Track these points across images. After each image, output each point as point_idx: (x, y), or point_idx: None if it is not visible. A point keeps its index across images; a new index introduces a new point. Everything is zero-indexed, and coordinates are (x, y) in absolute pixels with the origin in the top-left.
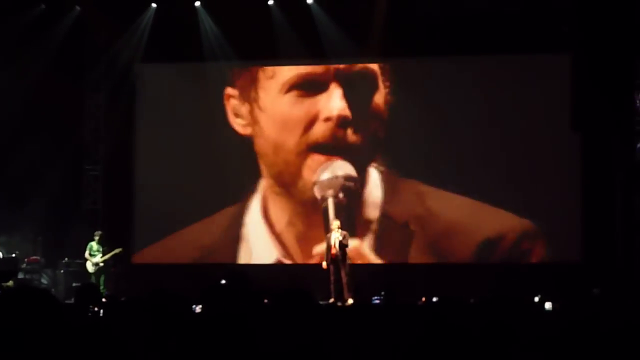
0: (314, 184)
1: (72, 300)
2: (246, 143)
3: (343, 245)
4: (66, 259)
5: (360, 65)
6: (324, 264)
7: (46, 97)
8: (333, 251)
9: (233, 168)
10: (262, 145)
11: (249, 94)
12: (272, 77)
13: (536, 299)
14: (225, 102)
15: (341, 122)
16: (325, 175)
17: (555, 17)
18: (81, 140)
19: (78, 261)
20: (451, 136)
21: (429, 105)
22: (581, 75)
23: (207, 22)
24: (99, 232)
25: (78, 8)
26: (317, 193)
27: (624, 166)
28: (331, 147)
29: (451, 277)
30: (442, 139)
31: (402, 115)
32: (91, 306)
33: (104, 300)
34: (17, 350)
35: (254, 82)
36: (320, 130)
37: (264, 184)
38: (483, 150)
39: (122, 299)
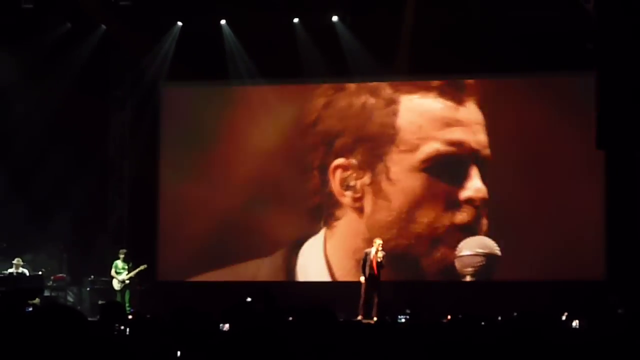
0: (455, 258)
1: (97, 318)
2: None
3: (381, 266)
4: (92, 276)
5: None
6: (363, 279)
7: (72, 114)
8: (372, 271)
9: (256, 185)
10: (376, 218)
11: (371, 165)
12: (410, 151)
13: (563, 317)
14: (332, 173)
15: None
16: (466, 252)
17: (580, 35)
18: (106, 158)
19: (103, 279)
20: (472, 154)
21: None
22: (606, 93)
23: (231, 40)
24: (124, 250)
25: (103, 27)
26: (457, 267)
27: None
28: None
29: (475, 294)
30: (465, 157)
31: None
32: (117, 324)
33: (129, 317)
34: None
35: (379, 155)
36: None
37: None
38: (505, 168)
39: (147, 316)
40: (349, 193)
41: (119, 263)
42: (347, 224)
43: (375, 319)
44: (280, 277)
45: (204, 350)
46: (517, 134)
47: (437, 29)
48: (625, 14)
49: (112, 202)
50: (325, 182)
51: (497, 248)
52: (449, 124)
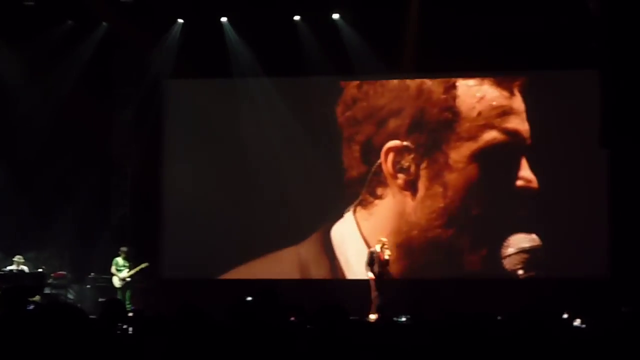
0: (503, 258)
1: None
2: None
3: (387, 264)
4: (93, 274)
5: None
6: (371, 275)
7: (75, 112)
8: (381, 270)
9: (261, 183)
10: (427, 204)
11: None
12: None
13: (565, 316)
14: (385, 156)
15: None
16: (510, 250)
17: (583, 34)
18: (110, 155)
19: (105, 276)
20: (477, 152)
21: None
22: (610, 91)
23: (233, 37)
24: (125, 248)
25: (105, 24)
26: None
27: None
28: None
29: (476, 293)
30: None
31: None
32: (120, 323)
33: (130, 315)
34: None
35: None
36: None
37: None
38: (508, 165)
39: (148, 314)
40: (401, 175)
41: (119, 260)
42: (389, 205)
43: (373, 316)
44: (298, 273)
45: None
46: (517, 131)
47: (441, 28)
48: (629, 13)
49: (115, 200)
50: (368, 158)
51: (538, 240)
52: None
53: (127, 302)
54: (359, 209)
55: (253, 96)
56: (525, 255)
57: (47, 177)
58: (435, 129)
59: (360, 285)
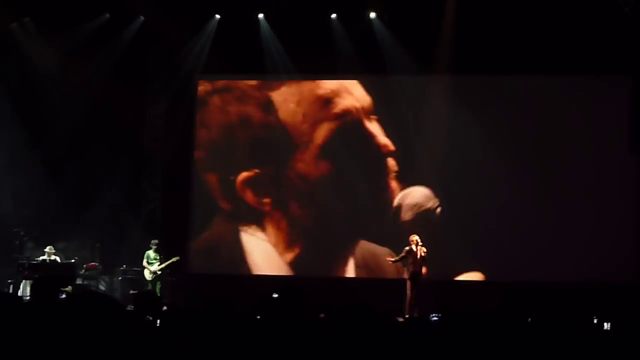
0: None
1: (131, 307)
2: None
3: (423, 262)
4: (124, 266)
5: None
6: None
7: (108, 105)
8: (417, 268)
9: (293, 178)
10: None
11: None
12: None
13: (595, 320)
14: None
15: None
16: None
17: (615, 39)
18: (141, 149)
19: (135, 268)
20: (506, 154)
21: (486, 124)
22: None
23: (268, 34)
24: (156, 241)
25: (142, 18)
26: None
27: None
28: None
29: (504, 295)
30: (498, 157)
31: (461, 132)
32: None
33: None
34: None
35: None
36: None
37: None
38: (539, 169)
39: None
40: None
41: (150, 253)
42: None
43: (407, 316)
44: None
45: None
46: (547, 134)
47: (474, 29)
48: None
49: (145, 193)
50: None
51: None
52: None
53: (158, 295)
54: None
55: (286, 92)
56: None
57: (79, 169)
58: None
59: (378, 284)
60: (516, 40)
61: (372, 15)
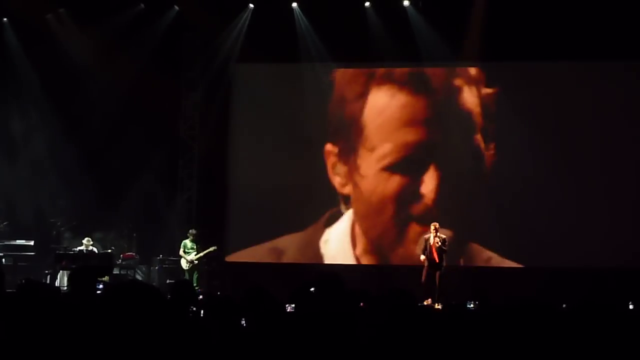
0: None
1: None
2: None
3: (442, 251)
4: (161, 255)
5: None
6: (423, 257)
7: (144, 94)
8: (432, 256)
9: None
10: (359, 207)
11: (348, 157)
12: (371, 150)
13: (631, 306)
14: (326, 157)
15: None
16: None
17: None
18: (177, 138)
19: (172, 258)
20: (542, 140)
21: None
22: None
23: (303, 22)
24: (193, 230)
25: (176, 8)
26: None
27: None
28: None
29: (538, 282)
30: (536, 143)
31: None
32: (190, 305)
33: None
34: (127, 342)
35: (353, 150)
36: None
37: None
38: (575, 154)
39: (219, 296)
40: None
41: (187, 243)
42: None
43: (438, 306)
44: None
45: (274, 330)
46: (584, 122)
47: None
48: None
49: (182, 183)
50: None
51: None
52: None
53: (195, 284)
54: None
55: (319, 81)
56: None
57: (115, 159)
58: None
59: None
60: (551, 26)
61: (406, 3)
